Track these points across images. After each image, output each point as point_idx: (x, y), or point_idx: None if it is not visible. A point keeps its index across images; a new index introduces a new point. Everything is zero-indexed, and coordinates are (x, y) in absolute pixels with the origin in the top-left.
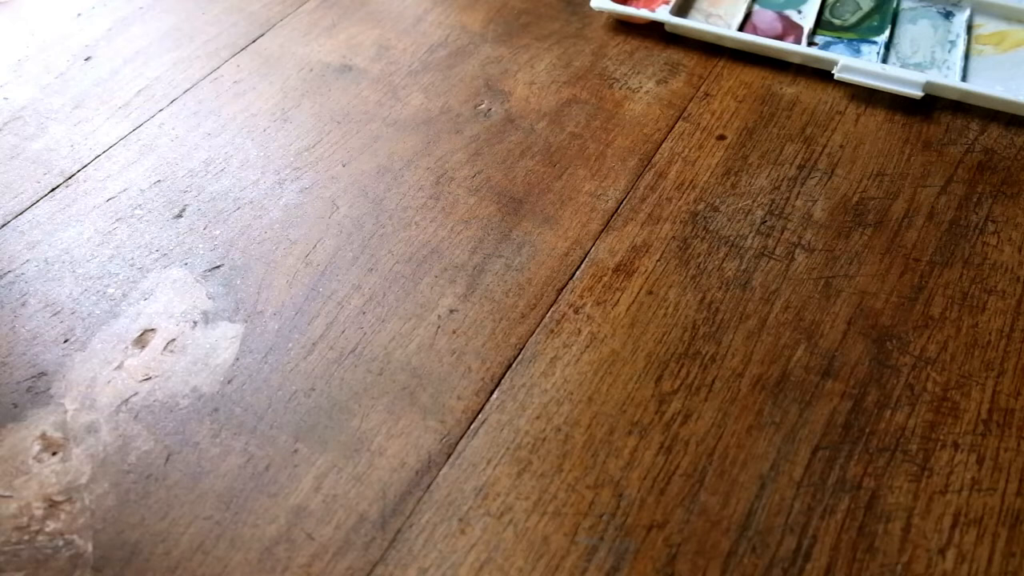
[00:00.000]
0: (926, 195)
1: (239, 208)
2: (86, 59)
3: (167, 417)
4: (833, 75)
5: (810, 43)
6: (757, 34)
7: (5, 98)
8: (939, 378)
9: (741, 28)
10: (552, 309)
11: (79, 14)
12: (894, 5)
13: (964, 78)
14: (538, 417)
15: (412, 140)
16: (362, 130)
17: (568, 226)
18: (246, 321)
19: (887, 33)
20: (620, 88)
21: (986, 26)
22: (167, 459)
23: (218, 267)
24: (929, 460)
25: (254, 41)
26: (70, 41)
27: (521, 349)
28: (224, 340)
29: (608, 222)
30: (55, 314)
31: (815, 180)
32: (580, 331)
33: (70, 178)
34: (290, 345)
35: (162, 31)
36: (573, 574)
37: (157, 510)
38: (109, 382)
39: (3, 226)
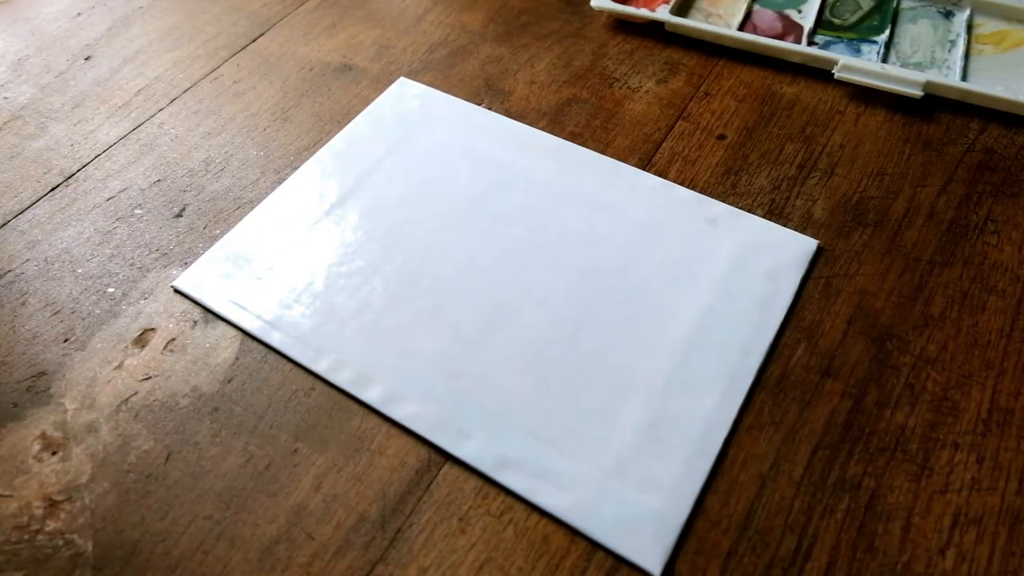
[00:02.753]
0: (926, 195)
1: (239, 208)
2: (86, 59)
3: (167, 417)
4: (833, 75)
5: (810, 43)
6: (757, 34)
7: (5, 98)
8: (939, 378)
9: (741, 28)
10: None
11: (79, 14)
12: (894, 5)
13: (964, 78)
14: None
15: None
16: None
17: None
18: None
19: (887, 33)
20: (620, 88)
21: (986, 26)
22: (167, 459)
23: None
24: (929, 460)
25: (254, 41)
26: (70, 41)
27: None
28: (224, 340)
29: None
30: (55, 314)
31: (815, 180)
32: None
33: (70, 178)
34: None
35: (162, 31)
36: (573, 574)
37: (157, 510)
38: (109, 382)
39: (3, 226)
